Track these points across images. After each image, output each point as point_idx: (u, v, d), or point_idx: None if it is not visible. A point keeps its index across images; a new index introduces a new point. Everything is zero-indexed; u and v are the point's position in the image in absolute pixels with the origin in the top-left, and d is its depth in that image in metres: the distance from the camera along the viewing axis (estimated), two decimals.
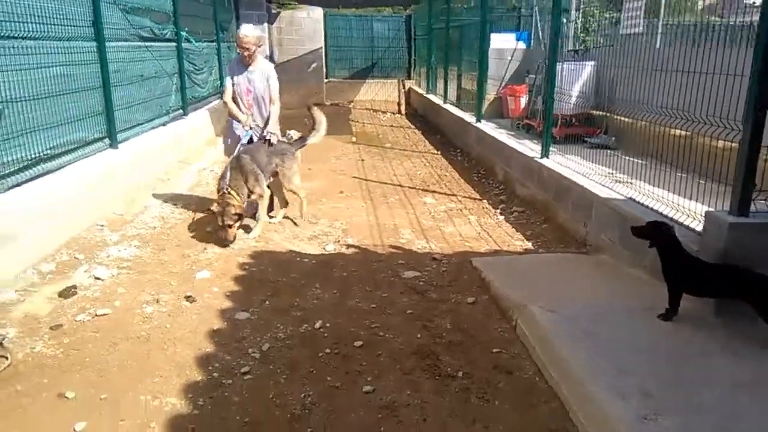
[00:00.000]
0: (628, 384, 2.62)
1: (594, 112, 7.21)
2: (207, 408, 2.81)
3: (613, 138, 6.70)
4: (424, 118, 13.80)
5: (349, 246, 5.15)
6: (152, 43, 7.89)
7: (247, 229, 5.31)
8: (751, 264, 3.05)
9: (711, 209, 3.43)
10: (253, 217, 5.42)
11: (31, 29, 4.77)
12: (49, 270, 4.30)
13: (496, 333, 3.56)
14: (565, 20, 7.92)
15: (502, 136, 7.79)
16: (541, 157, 6.23)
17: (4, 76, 4.35)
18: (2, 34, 4.36)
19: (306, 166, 8.34)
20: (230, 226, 4.82)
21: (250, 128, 5.40)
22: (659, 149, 4.33)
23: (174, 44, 8.93)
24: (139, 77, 7.30)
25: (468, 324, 3.69)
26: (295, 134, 8.11)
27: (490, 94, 9.80)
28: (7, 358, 3.07)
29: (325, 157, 9.22)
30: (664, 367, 2.79)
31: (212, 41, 11.60)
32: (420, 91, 15.32)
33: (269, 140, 5.35)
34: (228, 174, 4.99)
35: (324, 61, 17.06)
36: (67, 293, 3.92)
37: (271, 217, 5.67)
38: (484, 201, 6.71)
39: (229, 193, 4.87)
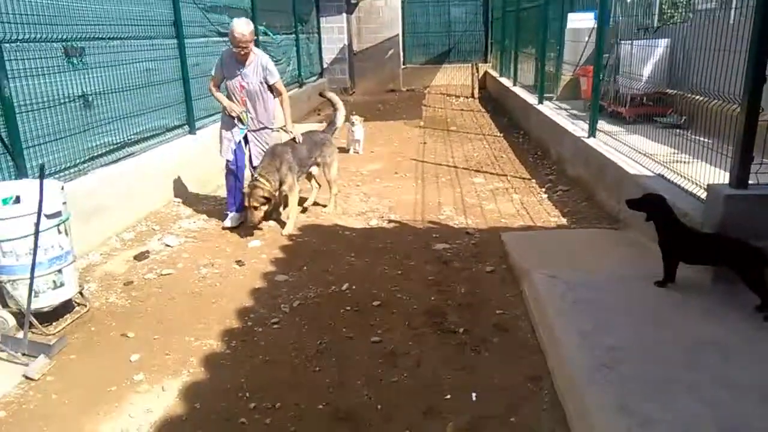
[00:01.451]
0: (599, 339, 2.85)
1: (668, 91, 7.12)
2: (237, 349, 3.35)
3: (684, 118, 6.61)
4: (495, 102, 13.85)
5: (390, 221, 5.56)
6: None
7: (282, 224, 5.33)
8: (747, 234, 3.14)
9: (720, 182, 3.51)
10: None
11: (118, 30, 5.54)
12: (129, 238, 5.06)
13: (504, 297, 3.86)
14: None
15: (558, 117, 7.85)
16: (588, 137, 6.31)
17: (95, 71, 5.12)
18: (94, 36, 5.13)
19: (370, 149, 8.86)
20: (256, 208, 4.87)
21: (238, 119, 5.14)
22: (726, 129, 4.21)
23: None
24: None
25: (481, 289, 4.01)
26: (358, 120, 8.56)
27: (566, 75, 9.75)
28: (86, 306, 3.77)
29: (389, 140, 9.65)
30: (640, 326, 2.99)
31: (291, 33, 12.31)
32: (494, 74, 15.34)
33: (294, 138, 5.30)
34: (262, 160, 5.07)
35: (401, 48, 17.42)
36: (141, 257, 4.63)
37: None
38: (533, 180, 6.87)
39: (259, 178, 4.90)
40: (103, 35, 5.26)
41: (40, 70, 4.42)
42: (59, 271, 3.45)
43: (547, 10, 9.22)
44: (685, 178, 4.16)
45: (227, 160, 5.29)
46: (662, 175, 4.54)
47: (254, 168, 5.17)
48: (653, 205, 3.35)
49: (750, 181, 3.35)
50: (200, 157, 7.01)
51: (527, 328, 3.44)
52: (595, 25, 10.04)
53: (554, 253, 4.24)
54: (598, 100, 6.31)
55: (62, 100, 4.65)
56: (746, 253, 2.99)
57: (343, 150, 8.80)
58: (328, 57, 15.31)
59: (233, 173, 5.28)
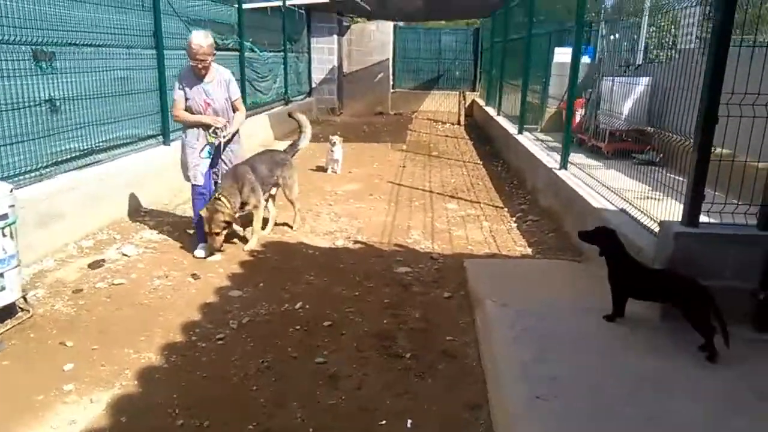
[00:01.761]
0: (538, 370, 2.81)
1: (647, 129, 7.19)
2: (177, 363, 3.26)
3: (660, 156, 6.66)
4: (480, 130, 13.97)
5: (357, 242, 5.51)
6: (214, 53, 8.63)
7: (244, 240, 5.28)
8: (695, 272, 3.13)
9: (672, 219, 3.51)
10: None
11: (94, 37, 5.52)
12: (87, 246, 4.97)
13: (457, 324, 3.81)
14: (612, 36, 7.98)
15: (535, 147, 7.91)
16: (560, 169, 6.34)
17: (66, 77, 5.09)
18: (66, 41, 5.10)
19: (348, 169, 8.85)
20: (218, 234, 4.71)
21: (216, 134, 4.75)
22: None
23: (237, 53, 9.69)
24: None
25: (435, 315, 3.96)
26: (338, 140, 8.57)
27: (551, 108, 9.86)
28: (29, 312, 3.67)
29: (370, 162, 9.67)
30: (583, 359, 2.95)
31: (279, 51, 12.39)
32: (481, 102, 15.50)
33: (223, 141, 4.83)
34: (222, 181, 4.83)
35: (391, 72, 17.60)
36: (95, 265, 4.55)
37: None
38: (505, 209, 6.88)
39: (219, 199, 4.70)
40: (76, 41, 5.24)
41: (5, 72, 4.38)
42: (1, 275, 3.37)
43: (530, 42, 9.34)
44: (644, 213, 4.16)
45: (194, 185, 4.93)
46: (624, 210, 4.55)
47: (215, 187, 4.90)
48: (604, 238, 3.34)
49: (705, 220, 3.36)
50: (172, 167, 6.89)
51: (475, 355, 3.39)
52: (582, 60, 10.27)
53: (512, 281, 4.22)
54: (569, 132, 6.36)
55: (27, 104, 4.61)
56: (691, 291, 2.98)
57: (322, 169, 8.81)
58: (317, 77, 15.40)
59: (203, 199, 4.90)
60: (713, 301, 2.91)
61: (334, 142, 8.48)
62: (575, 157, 6.96)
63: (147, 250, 4.98)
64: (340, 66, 16.22)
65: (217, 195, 4.75)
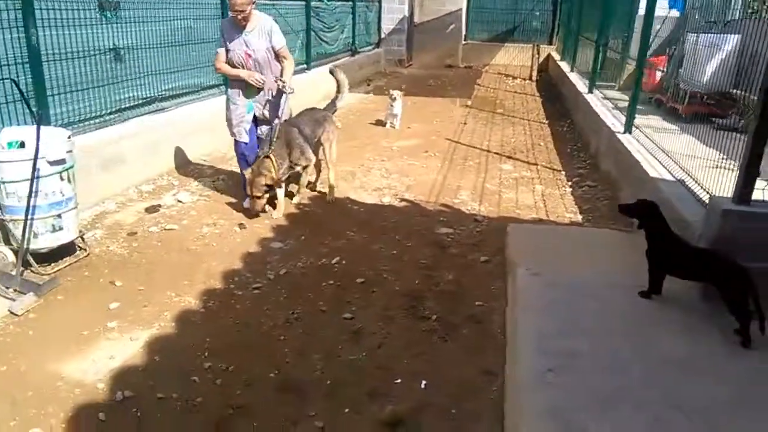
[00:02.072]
0: (558, 343, 2.78)
1: (733, 91, 6.70)
2: (213, 309, 3.45)
3: (742, 121, 6.20)
4: (553, 87, 13.38)
5: (403, 200, 5.53)
6: (279, 2, 8.67)
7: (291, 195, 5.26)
8: (742, 251, 2.96)
9: (724, 195, 3.30)
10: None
11: None
12: (147, 190, 5.26)
13: (488, 289, 3.79)
14: None
15: (602, 108, 7.54)
16: (624, 132, 6.03)
17: (130, 26, 5.28)
18: None
19: (407, 124, 8.79)
20: (259, 197, 4.61)
21: (260, 87, 4.67)
22: None
23: (303, 2, 9.67)
24: None
25: (469, 278, 3.95)
26: (398, 94, 8.48)
27: (632, 65, 9.30)
28: (86, 251, 3.96)
29: (431, 117, 9.53)
30: (607, 336, 2.88)
31: (348, 0, 12.24)
32: (557, 57, 14.80)
33: (284, 92, 4.71)
34: (274, 142, 4.68)
35: (464, 23, 17.05)
36: (151, 209, 4.81)
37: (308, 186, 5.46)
38: (563, 173, 6.65)
39: (268, 158, 4.58)
40: None
41: (72, 21, 4.60)
42: (59, 215, 3.64)
43: None
44: (700, 185, 3.92)
45: (240, 143, 4.88)
46: (682, 181, 4.31)
47: (267, 143, 4.74)
48: (645, 211, 3.19)
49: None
50: None
51: (500, 322, 3.38)
52: (671, 14, 9.54)
53: (552, 250, 4.12)
54: (638, 93, 5.99)
55: (92, 53, 4.83)
56: (730, 273, 2.82)
57: (381, 123, 8.78)
58: (386, 27, 15.15)
59: (245, 158, 4.89)
60: (753, 285, 2.75)
61: (395, 97, 8.40)
62: (651, 120, 6.59)
63: (201, 197, 5.20)
64: (411, 16, 15.85)
65: (266, 154, 4.62)
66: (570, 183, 6.23)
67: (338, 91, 5.71)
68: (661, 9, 9.30)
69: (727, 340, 2.84)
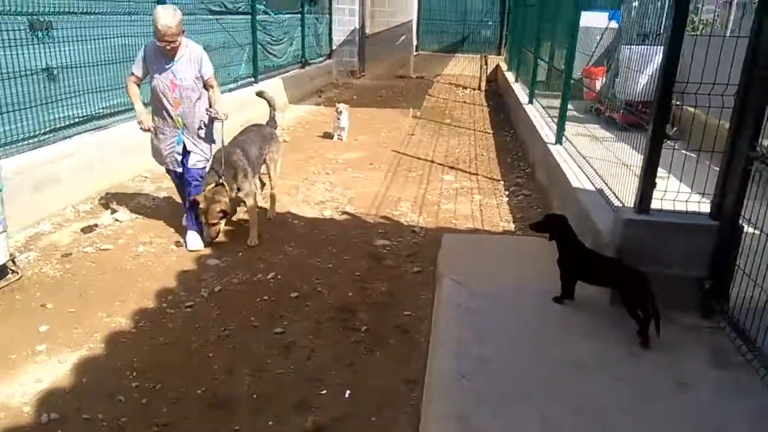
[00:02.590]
0: (472, 350, 2.93)
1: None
2: (144, 329, 3.50)
3: (675, 129, 6.52)
4: (500, 97, 13.76)
5: (344, 213, 5.65)
6: (223, 16, 8.71)
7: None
8: (643, 258, 3.18)
9: (628, 206, 3.53)
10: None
11: (92, 6, 5.66)
12: (85, 210, 5.24)
13: (418, 299, 3.95)
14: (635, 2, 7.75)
15: (538, 119, 7.83)
16: (555, 143, 6.30)
17: (63, 45, 5.27)
18: (64, 10, 5.26)
19: (355, 137, 8.92)
20: (214, 224, 4.47)
21: (148, 129, 4.58)
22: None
23: (248, 17, 9.73)
24: (205, 47, 8.12)
25: (400, 289, 4.10)
26: (344, 107, 8.61)
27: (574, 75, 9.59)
28: (18, 273, 3.95)
29: (379, 129, 9.70)
30: (519, 341, 3.05)
31: (297, 13, 12.34)
32: (504, 67, 15.21)
33: (217, 118, 4.57)
34: (214, 168, 4.53)
35: (415, 34, 17.36)
36: (87, 230, 4.81)
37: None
38: (501, 183, 6.89)
39: (222, 184, 4.44)
40: (74, 9, 5.39)
41: (1, 42, 4.58)
42: None
43: (543, 3, 9.11)
44: (615, 195, 4.16)
45: (173, 172, 4.72)
46: (601, 191, 4.55)
47: (211, 168, 4.56)
48: (554, 225, 3.39)
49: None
50: None
51: (426, 331, 3.53)
52: (608, 26, 9.93)
53: (480, 259, 4.29)
54: (566, 104, 6.28)
55: (24, 73, 4.81)
56: (627, 277, 3.04)
57: (329, 136, 8.90)
58: (338, 38, 15.30)
59: (181, 183, 4.73)
60: (649, 288, 2.96)
61: (341, 110, 8.54)
62: (593, 129, 6.85)
63: (139, 216, 5.22)
64: (362, 27, 16.04)
65: (217, 181, 4.44)
66: (507, 192, 6.47)
67: (271, 107, 5.69)
68: (599, 20, 9.73)
69: (629, 341, 3.04)
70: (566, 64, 6.30)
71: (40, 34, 4.97)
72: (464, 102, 13.28)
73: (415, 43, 17.48)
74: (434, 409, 2.56)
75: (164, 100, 4.41)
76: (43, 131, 5.09)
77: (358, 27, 15.53)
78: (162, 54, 4.31)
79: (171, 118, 4.48)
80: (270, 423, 2.77)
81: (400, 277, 4.29)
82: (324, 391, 3.00)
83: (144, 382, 3.00)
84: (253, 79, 9.92)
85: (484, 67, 15.17)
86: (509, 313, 3.36)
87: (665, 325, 2.97)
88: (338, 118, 8.63)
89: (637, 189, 3.35)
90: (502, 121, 10.81)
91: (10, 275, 3.94)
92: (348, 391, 2.99)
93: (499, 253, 4.49)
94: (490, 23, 17.80)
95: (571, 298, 3.43)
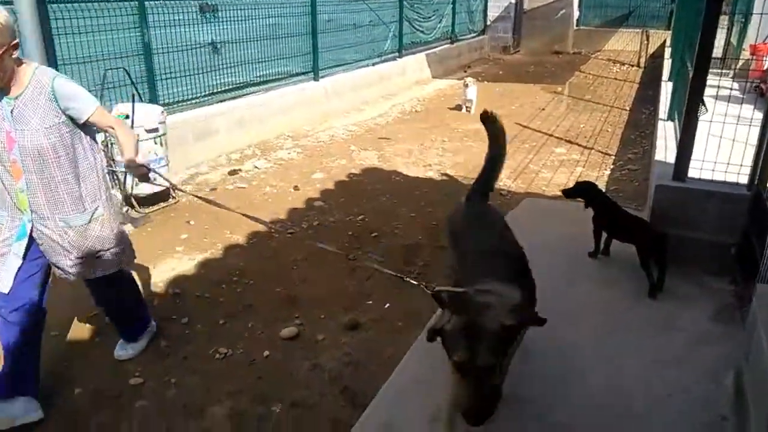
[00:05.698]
0: None
1: None
2: (252, 244, 4.53)
3: None
4: (659, 73, 13.08)
5: (444, 174, 6.27)
6: None
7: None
8: (675, 223, 3.44)
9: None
10: None
11: None
12: (234, 158, 6.51)
13: None
14: None
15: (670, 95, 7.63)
16: (667, 119, 6.26)
17: (226, 24, 6.53)
18: None
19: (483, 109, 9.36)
20: None
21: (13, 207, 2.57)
22: None
23: None
24: (351, 25, 9.15)
25: None
26: (471, 81, 9.08)
27: (745, 50, 9.07)
28: (176, 198, 5.22)
29: (510, 103, 10.01)
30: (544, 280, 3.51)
31: None
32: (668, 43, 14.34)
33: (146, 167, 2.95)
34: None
35: (576, 7, 16.92)
36: (233, 173, 6.03)
37: None
38: (612, 157, 6.97)
39: None
40: None
41: (177, 21, 5.89)
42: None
43: None
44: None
45: None
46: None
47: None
48: (583, 191, 3.72)
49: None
50: (319, 99, 8.27)
51: None
52: None
53: (544, 219, 4.69)
54: (679, 84, 6.17)
55: (194, 47, 6.12)
56: (647, 235, 3.33)
57: (459, 108, 9.45)
58: (492, 15, 15.56)
59: (9, 327, 2.61)
60: (664, 247, 3.24)
61: (467, 84, 9.04)
62: (741, 109, 6.57)
63: (275, 165, 6.35)
64: (519, 2, 16.08)
65: None
66: (613, 166, 6.57)
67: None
68: None
69: (640, 291, 3.35)
70: (673, 36, 6.15)
71: (207, 15, 6.23)
72: (616, 79, 12.87)
73: (576, 17, 17.04)
74: None
75: None
76: (204, 93, 6.39)
77: (514, 2, 15.62)
78: None
79: (9, 195, 2.57)
80: (322, 316, 3.59)
81: None
82: (370, 302, 3.75)
83: (242, 278, 4.00)
84: (397, 54, 10.74)
85: (645, 42, 14.42)
86: (543, 258, 3.79)
87: (689, 285, 3.24)
88: (465, 92, 9.14)
89: (676, 157, 3.55)
90: (647, 98, 10.45)
91: (171, 199, 5.22)
92: (387, 304, 3.70)
93: (560, 215, 4.83)
94: None
95: (606, 254, 3.76)
